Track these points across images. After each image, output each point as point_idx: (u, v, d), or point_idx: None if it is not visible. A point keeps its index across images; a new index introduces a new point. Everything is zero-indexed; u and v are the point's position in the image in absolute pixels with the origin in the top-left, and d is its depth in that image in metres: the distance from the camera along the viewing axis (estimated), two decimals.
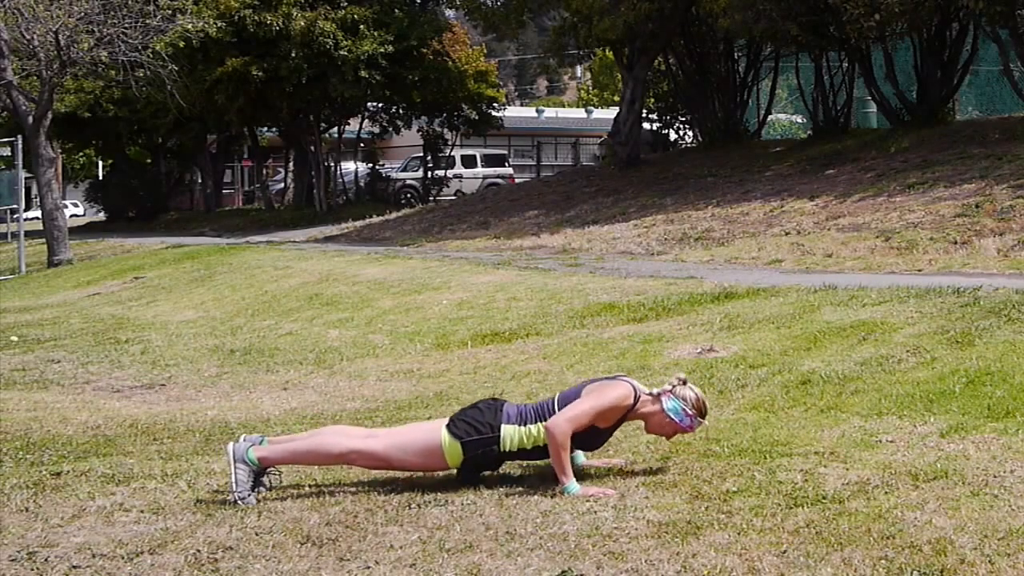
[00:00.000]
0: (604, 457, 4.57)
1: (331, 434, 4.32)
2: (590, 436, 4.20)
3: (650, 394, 4.29)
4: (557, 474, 4.07)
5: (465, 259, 13.14)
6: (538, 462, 4.33)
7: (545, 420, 4.17)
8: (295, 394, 6.97)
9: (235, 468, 4.10)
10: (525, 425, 4.20)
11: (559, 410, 4.18)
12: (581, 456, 4.40)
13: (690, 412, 4.24)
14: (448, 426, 4.20)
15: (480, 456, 4.16)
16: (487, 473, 4.31)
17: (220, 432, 5.55)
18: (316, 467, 4.58)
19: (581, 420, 4.11)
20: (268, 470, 4.23)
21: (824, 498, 3.75)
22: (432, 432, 4.22)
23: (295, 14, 22.76)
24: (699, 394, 4.31)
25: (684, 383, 4.31)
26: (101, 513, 3.97)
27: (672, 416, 4.23)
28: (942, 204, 11.42)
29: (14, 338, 10.23)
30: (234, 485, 4.07)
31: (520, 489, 4.13)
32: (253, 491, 4.11)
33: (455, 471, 4.23)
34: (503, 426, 4.18)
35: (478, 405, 4.32)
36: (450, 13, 31.75)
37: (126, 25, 19.09)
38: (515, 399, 6.25)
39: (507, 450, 4.18)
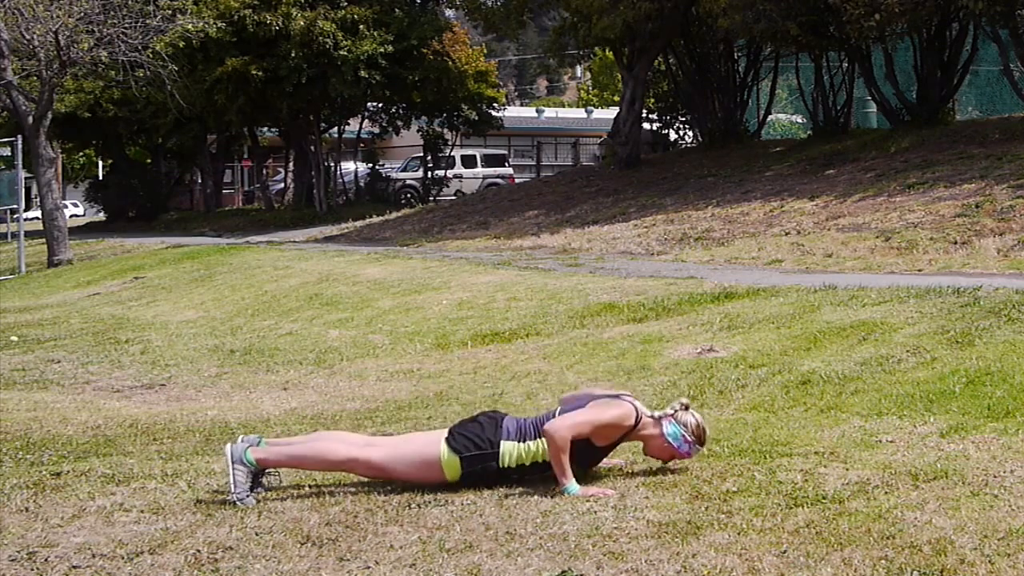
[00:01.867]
0: None
1: (331, 440, 4.31)
2: (584, 452, 4.17)
3: (652, 416, 4.28)
4: (556, 476, 4.07)
5: (465, 259, 13.14)
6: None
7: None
8: (295, 394, 6.97)
9: (233, 469, 4.10)
10: (524, 442, 4.19)
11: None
12: None
13: (689, 439, 4.24)
14: (447, 439, 4.19)
15: (479, 472, 4.15)
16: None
17: (220, 432, 5.55)
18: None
19: (581, 429, 4.11)
20: (267, 471, 4.23)
21: (824, 498, 3.75)
22: (431, 445, 4.20)
23: (295, 14, 22.76)
24: (700, 420, 4.30)
25: (686, 408, 4.31)
26: (101, 513, 3.96)
27: (671, 441, 4.23)
28: (942, 204, 11.42)
29: (14, 338, 10.23)
30: (232, 486, 4.07)
31: (520, 489, 4.13)
32: (252, 492, 4.11)
33: (453, 484, 4.21)
34: (503, 442, 4.17)
35: (478, 419, 4.30)
36: (450, 13, 31.75)
37: (126, 25, 19.09)
38: (515, 399, 6.26)
39: (506, 466, 4.17)
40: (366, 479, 4.32)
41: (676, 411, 4.28)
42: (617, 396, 4.30)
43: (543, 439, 4.14)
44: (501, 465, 4.16)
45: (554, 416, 4.22)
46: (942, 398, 5.05)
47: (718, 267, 10.74)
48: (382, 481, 4.28)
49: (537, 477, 4.20)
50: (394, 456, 4.20)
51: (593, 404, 4.21)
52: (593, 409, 4.16)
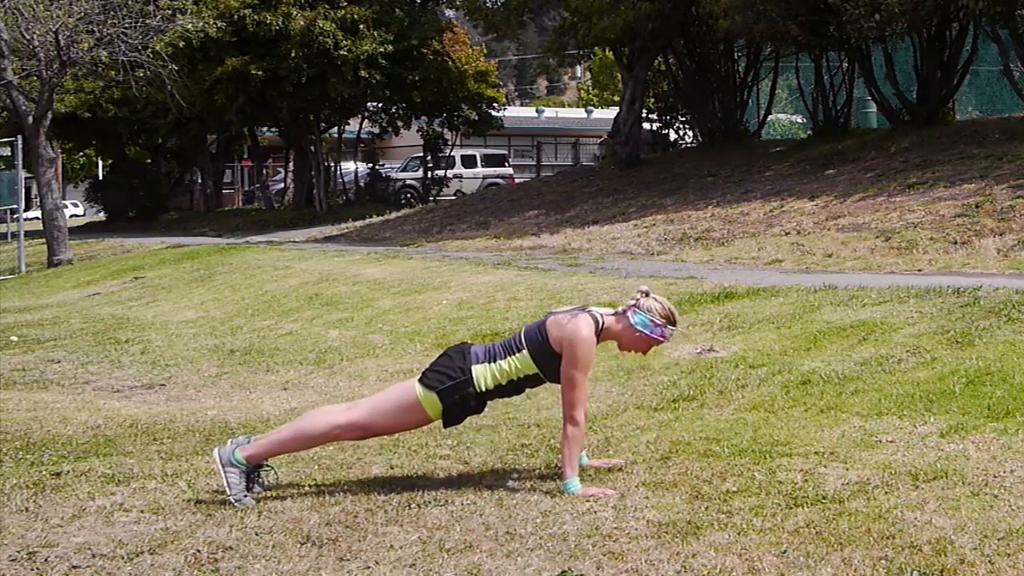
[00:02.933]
0: (604, 457, 4.58)
1: (311, 416, 4.34)
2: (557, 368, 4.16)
3: (615, 313, 4.27)
4: (564, 467, 4.08)
5: (465, 259, 13.14)
6: (536, 455, 4.32)
7: (513, 354, 4.18)
8: (295, 394, 6.97)
9: (224, 472, 4.10)
10: (495, 361, 4.19)
11: (526, 343, 4.16)
12: (584, 457, 4.40)
13: (659, 322, 4.21)
14: (420, 380, 4.20)
15: (459, 402, 4.16)
16: (474, 418, 4.33)
17: (220, 432, 5.55)
18: (316, 467, 4.59)
19: (580, 395, 4.09)
20: (261, 468, 4.23)
21: (824, 498, 3.75)
22: (407, 390, 4.22)
23: (295, 14, 22.75)
24: (664, 303, 4.28)
25: (647, 295, 4.28)
26: (101, 513, 3.96)
27: (642, 329, 4.21)
28: (942, 204, 11.42)
29: (14, 338, 10.23)
30: (228, 489, 4.06)
31: (520, 489, 4.13)
32: (249, 491, 4.11)
33: (440, 422, 4.25)
34: (473, 367, 4.18)
35: (447, 352, 4.32)
36: (450, 13, 31.76)
37: (126, 25, 19.09)
38: (515, 398, 6.25)
39: (483, 389, 4.17)
40: (366, 476, 4.32)
41: (638, 300, 4.26)
42: (574, 312, 4.23)
43: (515, 356, 4.16)
44: (478, 389, 4.16)
45: (520, 338, 4.20)
46: (942, 398, 5.05)
47: (718, 267, 10.74)
48: (383, 472, 4.29)
49: (537, 480, 4.19)
50: (374, 411, 4.22)
51: (552, 323, 4.16)
52: (566, 364, 4.09)
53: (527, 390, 4.35)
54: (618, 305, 4.40)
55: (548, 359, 4.14)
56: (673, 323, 4.26)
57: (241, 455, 4.14)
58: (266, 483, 4.23)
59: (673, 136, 25.15)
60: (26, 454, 5.02)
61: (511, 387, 4.23)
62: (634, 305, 4.25)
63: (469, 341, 4.62)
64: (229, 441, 4.28)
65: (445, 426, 4.34)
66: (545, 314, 4.36)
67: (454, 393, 4.15)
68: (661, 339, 4.26)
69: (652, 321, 4.21)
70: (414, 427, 4.37)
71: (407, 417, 4.21)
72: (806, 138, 20.22)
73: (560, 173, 26.32)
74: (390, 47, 23.02)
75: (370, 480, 4.38)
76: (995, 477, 3.87)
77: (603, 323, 4.21)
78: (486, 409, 4.37)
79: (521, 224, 16.88)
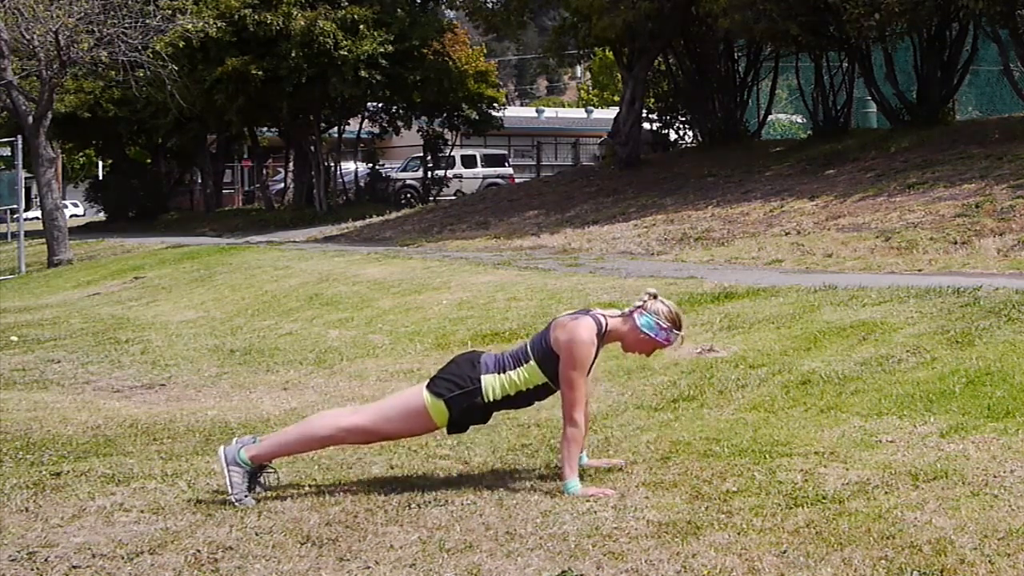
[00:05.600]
0: (604, 457, 4.58)
1: (317, 419, 4.34)
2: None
3: (621, 315, 4.27)
4: (564, 468, 4.08)
5: (465, 259, 13.14)
6: (536, 455, 4.32)
7: (522, 365, 4.17)
8: (295, 394, 6.97)
9: (229, 471, 4.09)
10: (505, 372, 4.19)
11: (532, 353, 4.16)
12: (584, 457, 4.40)
13: (664, 325, 4.21)
14: (429, 386, 4.20)
15: (466, 410, 4.16)
16: (479, 425, 4.32)
17: (220, 432, 5.55)
18: (316, 467, 4.59)
19: (579, 395, 4.09)
20: (265, 469, 4.23)
21: (824, 498, 3.75)
22: (414, 396, 4.22)
23: (295, 14, 22.75)
24: (672, 307, 4.27)
25: (655, 297, 4.28)
26: (101, 513, 3.96)
27: (647, 331, 4.21)
28: (942, 204, 11.42)
29: (14, 338, 10.22)
30: (230, 488, 4.06)
31: (520, 489, 4.13)
32: (250, 491, 4.10)
33: (445, 430, 4.25)
34: (483, 377, 4.17)
35: (456, 360, 4.31)
36: (450, 13, 31.78)
37: (126, 25, 19.09)
38: None
39: (491, 400, 4.17)
40: (367, 476, 4.32)
41: (645, 302, 4.26)
42: (575, 316, 4.22)
43: (523, 367, 4.16)
44: (486, 400, 4.16)
45: (526, 348, 4.21)
46: (942, 398, 5.05)
47: (718, 267, 10.74)
48: (384, 472, 4.29)
49: (537, 480, 4.19)
50: (381, 416, 4.22)
51: (555, 325, 4.16)
52: (565, 365, 4.09)
53: (536, 403, 4.32)
54: (618, 306, 4.40)
55: (553, 364, 4.14)
56: (679, 327, 4.26)
57: (246, 455, 4.14)
58: (267, 484, 4.23)
59: (673, 136, 25.15)
60: (26, 454, 5.02)
61: (520, 398, 4.22)
62: (641, 307, 4.25)
63: (479, 349, 4.59)
64: (235, 440, 4.28)
65: (449, 433, 4.34)
66: (549, 320, 4.36)
67: (462, 402, 4.15)
68: (666, 343, 4.25)
69: (658, 324, 4.21)
70: (419, 433, 4.36)
71: (413, 423, 4.20)
72: (806, 138, 20.22)
73: (560, 173, 26.33)
74: (390, 47, 23.03)
75: (370, 480, 4.38)
76: (995, 477, 3.87)
77: (607, 325, 4.21)
78: (491, 420, 4.37)
79: (521, 224, 16.88)
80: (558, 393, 4.19)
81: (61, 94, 24.74)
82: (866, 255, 10.28)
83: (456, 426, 4.23)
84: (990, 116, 19.79)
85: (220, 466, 4.15)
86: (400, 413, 4.20)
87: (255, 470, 4.17)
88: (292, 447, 4.27)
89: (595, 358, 4.25)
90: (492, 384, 4.17)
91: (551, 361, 4.13)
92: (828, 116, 19.52)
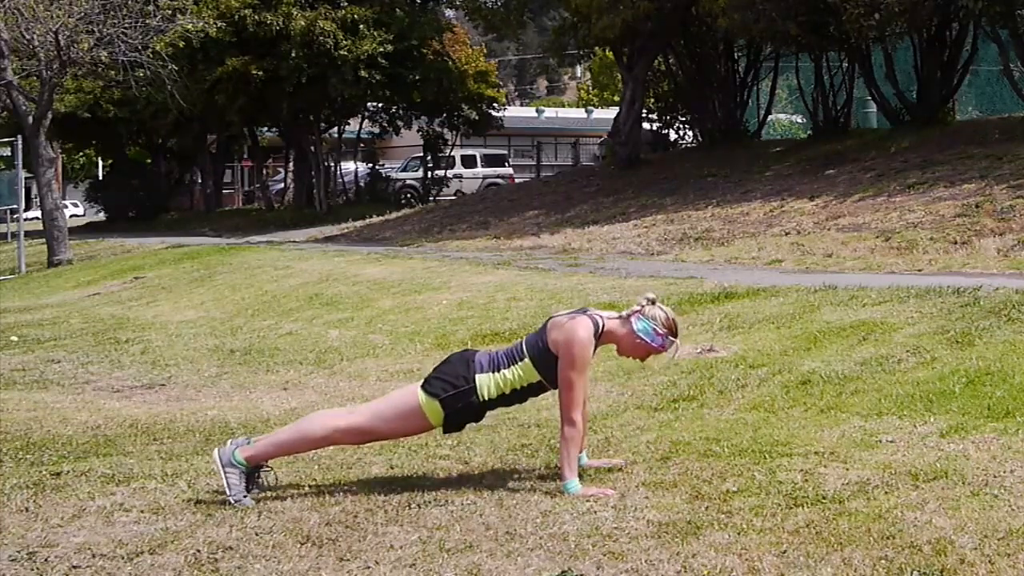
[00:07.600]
0: (604, 457, 4.58)
1: (313, 418, 4.34)
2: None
3: (619, 317, 4.27)
4: (563, 469, 4.08)
5: (465, 259, 13.14)
6: (536, 455, 4.31)
7: (516, 363, 4.16)
8: (295, 394, 6.97)
9: (225, 473, 4.09)
10: (499, 371, 4.19)
11: (527, 351, 4.16)
12: (584, 457, 4.40)
13: (661, 331, 4.20)
14: (423, 386, 4.20)
15: (461, 410, 4.17)
16: (474, 424, 4.32)
17: (220, 432, 5.55)
18: (316, 467, 4.59)
19: (577, 396, 4.09)
20: (261, 468, 4.23)
21: (824, 498, 3.75)
22: (409, 396, 4.22)
23: (295, 14, 22.76)
24: (669, 313, 4.27)
25: (653, 303, 4.27)
26: (101, 513, 3.96)
27: (643, 336, 4.20)
28: (942, 204, 11.42)
29: (14, 338, 10.22)
30: (228, 490, 4.06)
31: (520, 489, 4.13)
32: (249, 492, 4.10)
33: (440, 429, 4.25)
34: (477, 376, 4.17)
35: (450, 360, 4.30)
36: (450, 13, 31.79)
37: (126, 25, 19.08)
38: None
39: (486, 399, 4.17)
40: (366, 476, 4.32)
41: (643, 306, 4.25)
42: (573, 315, 4.22)
43: (518, 365, 4.15)
44: (481, 399, 4.16)
45: (522, 347, 4.20)
46: (942, 398, 5.05)
47: (718, 267, 10.74)
48: (384, 472, 4.29)
49: (537, 480, 4.19)
50: (376, 415, 4.22)
51: (552, 326, 4.16)
52: (562, 365, 4.09)
53: (530, 399, 4.34)
54: (618, 307, 4.40)
55: (549, 364, 4.14)
56: (675, 334, 4.26)
57: (241, 456, 4.13)
58: (265, 484, 4.23)
59: (673, 136, 25.16)
60: (26, 454, 5.02)
61: (514, 396, 4.22)
62: (639, 311, 4.24)
63: (473, 347, 4.59)
64: (229, 442, 4.27)
65: (444, 432, 4.35)
66: (545, 319, 4.36)
67: (457, 402, 4.15)
68: (660, 349, 4.25)
69: (655, 330, 4.21)
70: (415, 433, 4.37)
71: (408, 423, 4.21)
72: (806, 138, 20.21)
73: (560, 173, 26.33)
74: (390, 47, 23.04)
75: (370, 480, 4.38)
76: (995, 477, 3.87)
77: (604, 325, 4.20)
78: (485, 418, 4.37)
79: (521, 224, 16.88)
80: (556, 392, 4.19)
81: (61, 94, 24.74)
82: (866, 255, 10.28)
83: (451, 425, 4.24)
84: (990, 116, 19.78)
85: (216, 468, 4.15)
86: (395, 413, 4.21)
87: (252, 470, 4.17)
88: (287, 447, 4.27)
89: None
90: (486, 383, 4.17)
91: (548, 361, 4.13)
92: (828, 116, 19.52)
